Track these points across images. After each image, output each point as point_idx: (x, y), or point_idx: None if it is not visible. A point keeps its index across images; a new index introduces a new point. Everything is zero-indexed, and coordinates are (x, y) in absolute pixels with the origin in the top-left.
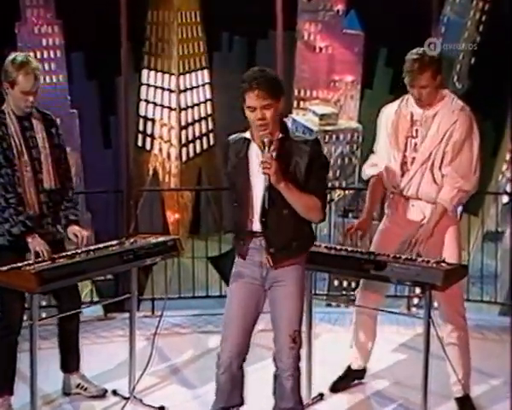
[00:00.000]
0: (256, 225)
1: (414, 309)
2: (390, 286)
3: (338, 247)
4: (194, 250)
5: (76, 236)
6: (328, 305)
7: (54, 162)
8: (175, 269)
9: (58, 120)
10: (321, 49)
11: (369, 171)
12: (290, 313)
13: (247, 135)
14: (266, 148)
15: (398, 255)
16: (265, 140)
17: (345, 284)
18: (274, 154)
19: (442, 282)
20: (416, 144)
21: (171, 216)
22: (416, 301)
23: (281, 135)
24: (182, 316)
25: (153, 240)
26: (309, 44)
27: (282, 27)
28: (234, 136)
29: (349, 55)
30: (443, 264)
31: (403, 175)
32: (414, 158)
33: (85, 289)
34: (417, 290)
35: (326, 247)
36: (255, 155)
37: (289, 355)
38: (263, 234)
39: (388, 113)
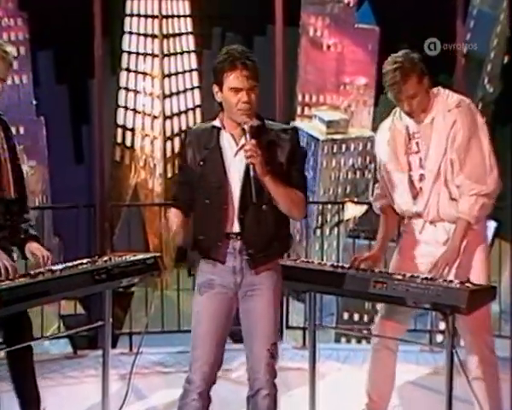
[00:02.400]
0: (235, 224)
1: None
2: (411, 316)
3: (345, 265)
4: (181, 281)
5: (35, 255)
6: (337, 341)
7: (12, 169)
8: (158, 303)
9: (22, 129)
10: (329, 46)
11: (378, 203)
12: (268, 324)
13: (217, 123)
14: (248, 135)
15: (415, 274)
16: (246, 126)
17: (356, 317)
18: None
19: (467, 304)
20: (420, 160)
21: (155, 241)
22: (439, 338)
23: (258, 122)
24: (165, 353)
25: (130, 258)
26: (315, 41)
27: (282, 22)
28: (196, 125)
29: (362, 53)
30: (468, 284)
31: (415, 199)
32: (422, 175)
33: (52, 326)
34: (442, 326)
35: (332, 265)
36: (228, 145)
37: (266, 371)
38: (241, 234)
39: (382, 133)
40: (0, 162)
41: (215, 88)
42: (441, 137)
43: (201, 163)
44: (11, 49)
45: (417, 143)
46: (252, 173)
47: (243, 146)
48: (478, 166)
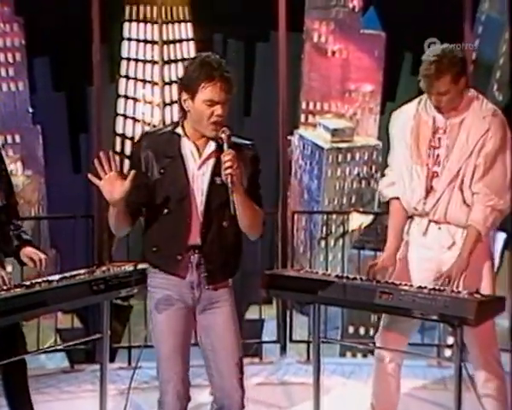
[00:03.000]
0: (196, 238)
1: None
2: (415, 328)
3: (350, 276)
4: None
5: (32, 260)
6: (342, 355)
7: None
8: None
9: (17, 137)
10: (334, 52)
11: (387, 192)
12: (233, 339)
13: (179, 130)
14: (225, 144)
15: (422, 285)
16: (223, 135)
17: (362, 330)
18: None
19: (475, 315)
20: (438, 156)
21: None
22: (447, 353)
23: (228, 132)
24: None
25: (129, 268)
26: (319, 47)
27: (285, 27)
28: (153, 129)
29: (367, 60)
30: (476, 295)
31: (427, 195)
32: (435, 173)
33: (48, 340)
34: (450, 340)
35: (337, 276)
36: (190, 154)
37: (238, 388)
38: (200, 248)
39: (405, 118)
40: None
41: (184, 95)
42: (469, 139)
43: (162, 171)
44: None
45: (439, 139)
46: (229, 186)
47: (218, 156)
48: (499, 179)
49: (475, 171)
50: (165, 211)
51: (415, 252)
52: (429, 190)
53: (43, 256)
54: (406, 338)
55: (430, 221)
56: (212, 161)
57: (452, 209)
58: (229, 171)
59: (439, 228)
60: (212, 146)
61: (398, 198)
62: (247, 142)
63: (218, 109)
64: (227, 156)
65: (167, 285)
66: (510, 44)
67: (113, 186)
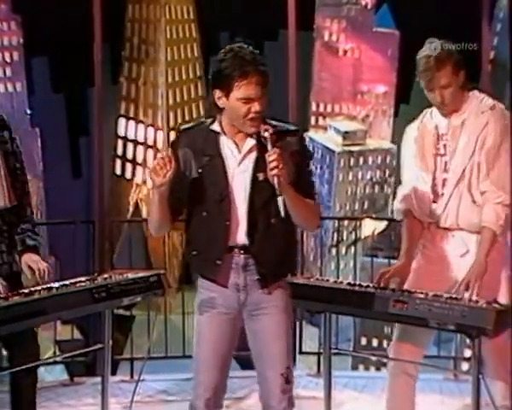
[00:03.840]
0: (240, 239)
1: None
2: (430, 338)
3: (363, 284)
4: (186, 304)
5: (31, 268)
6: (354, 368)
7: (8, 174)
8: (161, 327)
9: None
10: (345, 51)
11: (401, 205)
12: (282, 347)
13: (216, 127)
14: (269, 144)
15: (438, 293)
16: (266, 134)
17: (375, 342)
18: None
19: (494, 326)
20: (446, 163)
21: (157, 260)
22: (465, 366)
23: (265, 126)
24: (169, 380)
25: (131, 275)
26: (330, 46)
27: (295, 25)
28: (189, 125)
29: (380, 59)
30: (494, 304)
31: (436, 201)
32: (445, 180)
33: (47, 352)
34: (467, 353)
35: (349, 283)
36: (230, 152)
37: (281, 400)
38: (247, 250)
39: (411, 132)
40: None
41: (218, 93)
42: (470, 138)
43: (200, 171)
44: None
45: (445, 146)
46: (276, 186)
47: (259, 151)
48: (504, 174)
49: (480, 169)
50: (204, 213)
51: (428, 261)
52: (438, 196)
53: (43, 266)
54: (421, 350)
55: (443, 229)
56: (252, 157)
57: (463, 212)
58: (275, 172)
59: (453, 236)
60: (251, 141)
61: (410, 210)
62: (291, 127)
63: (255, 106)
64: (272, 156)
65: (211, 288)
66: (510, 45)
67: (162, 168)
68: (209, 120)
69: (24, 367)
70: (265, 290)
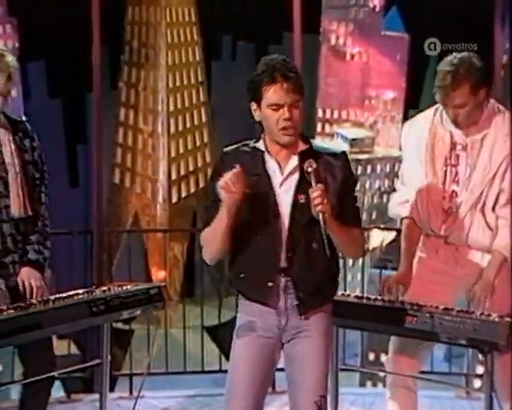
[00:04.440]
0: (282, 262)
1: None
2: (429, 352)
3: (371, 296)
4: (187, 318)
5: (23, 283)
6: (362, 384)
7: (25, 183)
8: (161, 342)
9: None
10: (353, 56)
11: (399, 210)
12: (317, 373)
13: (260, 145)
14: (313, 178)
15: (449, 307)
16: (310, 169)
17: (383, 358)
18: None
19: (507, 340)
20: (456, 174)
21: (157, 272)
22: (477, 383)
23: (304, 146)
24: (170, 397)
25: (131, 288)
26: (337, 50)
27: (300, 29)
28: (233, 147)
29: (389, 64)
30: (508, 318)
31: (445, 218)
32: (454, 192)
33: None
34: (479, 369)
35: (356, 296)
36: (273, 171)
37: None
38: (287, 272)
39: (419, 132)
40: (8, 178)
41: (253, 105)
42: (493, 159)
43: (247, 191)
44: (11, 60)
45: (457, 156)
46: (322, 223)
47: (301, 172)
48: None
49: (500, 195)
50: (254, 233)
51: (431, 271)
52: (447, 212)
53: (35, 283)
54: (419, 363)
55: (447, 243)
56: (294, 178)
57: (474, 234)
58: (319, 208)
59: (457, 249)
60: (294, 161)
61: (411, 217)
62: (335, 149)
63: (284, 113)
64: (315, 193)
65: (252, 311)
66: (511, 45)
67: (235, 183)
68: (253, 140)
69: (38, 378)
70: (305, 317)
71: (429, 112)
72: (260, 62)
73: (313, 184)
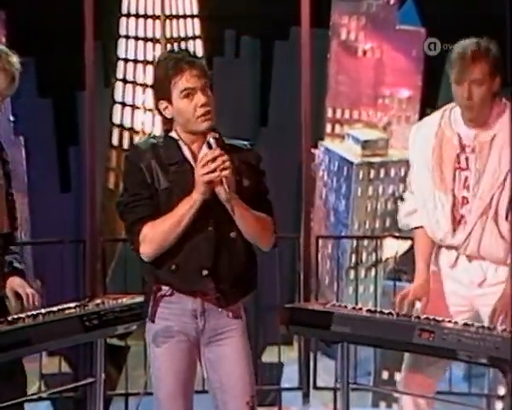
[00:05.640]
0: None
1: None
2: (445, 371)
3: (385, 310)
4: None
5: (17, 294)
6: (375, 405)
7: (7, 197)
8: None
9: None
10: (365, 52)
11: (407, 220)
12: (245, 375)
13: (174, 135)
14: (214, 145)
15: (468, 322)
16: (211, 138)
17: (397, 376)
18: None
19: None
20: (466, 179)
21: None
22: (499, 405)
23: (214, 134)
24: None
25: (126, 301)
26: (348, 46)
27: (309, 23)
28: (142, 140)
29: (404, 60)
30: None
31: (455, 227)
32: (465, 199)
33: (31, 387)
34: (501, 390)
35: (369, 310)
36: (191, 160)
37: None
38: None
39: (426, 135)
40: None
41: (162, 104)
42: (502, 161)
43: (170, 180)
44: (16, 61)
45: (467, 159)
46: (225, 193)
47: (209, 159)
48: None
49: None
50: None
51: (445, 284)
52: (457, 221)
53: (30, 291)
54: (434, 382)
55: (460, 255)
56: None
57: (486, 244)
58: (222, 173)
59: (470, 262)
60: (206, 149)
61: (421, 227)
62: (244, 142)
63: (199, 99)
64: (212, 157)
65: (168, 315)
66: (511, 45)
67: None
68: (161, 134)
69: (10, 403)
70: (225, 311)
71: (436, 114)
72: (160, 59)
73: (215, 147)
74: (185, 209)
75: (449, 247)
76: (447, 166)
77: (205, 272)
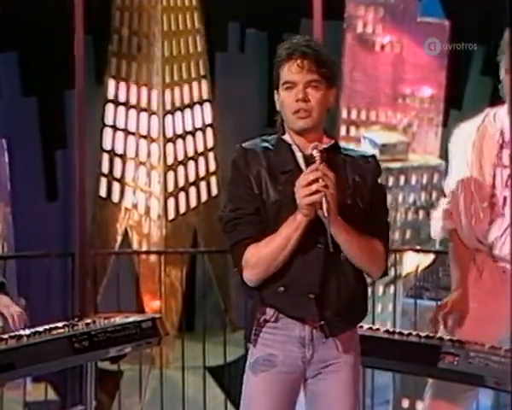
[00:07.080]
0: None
1: None
2: (474, 398)
3: (405, 332)
4: (186, 357)
5: (1, 314)
6: None
7: None
8: (155, 385)
9: None
10: (383, 46)
11: (444, 224)
12: (346, 407)
13: (287, 138)
14: (317, 158)
15: (496, 345)
16: (314, 151)
17: (419, 405)
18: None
19: None
20: (508, 177)
21: (151, 302)
22: None
23: (329, 142)
24: None
25: (120, 320)
26: (365, 40)
27: (321, 14)
28: (252, 143)
29: (426, 55)
30: None
31: (491, 224)
32: (506, 199)
33: None
34: None
35: (387, 331)
36: (304, 168)
37: None
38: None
39: (468, 132)
40: None
41: (276, 94)
42: None
43: (280, 190)
44: None
45: (511, 157)
46: (325, 211)
47: (311, 179)
48: None
49: None
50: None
51: (480, 303)
52: (494, 218)
53: (17, 310)
54: (462, 408)
55: (495, 261)
56: None
57: None
58: (325, 191)
59: (504, 271)
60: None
61: (456, 230)
62: (364, 152)
63: (298, 93)
64: (316, 174)
65: (271, 343)
66: (511, 45)
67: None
68: (275, 135)
69: None
70: (330, 341)
71: (481, 114)
72: (283, 43)
73: (318, 162)
74: (291, 231)
75: (481, 252)
76: (486, 161)
77: (311, 296)
